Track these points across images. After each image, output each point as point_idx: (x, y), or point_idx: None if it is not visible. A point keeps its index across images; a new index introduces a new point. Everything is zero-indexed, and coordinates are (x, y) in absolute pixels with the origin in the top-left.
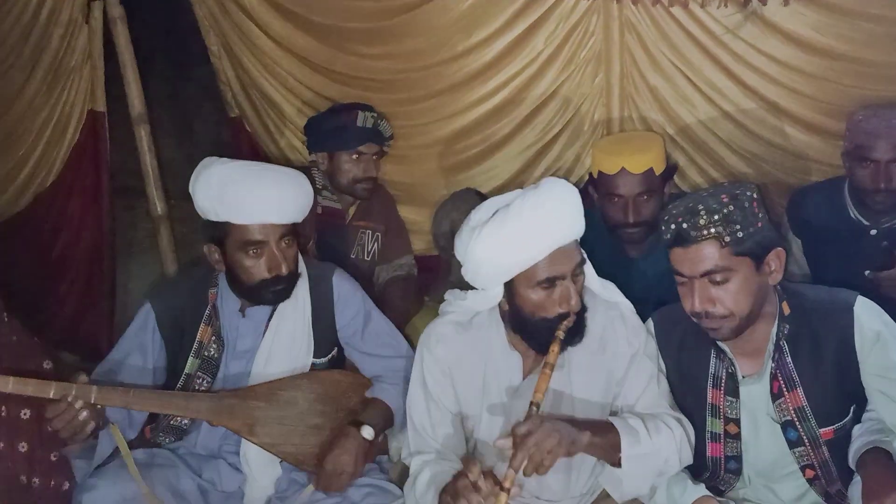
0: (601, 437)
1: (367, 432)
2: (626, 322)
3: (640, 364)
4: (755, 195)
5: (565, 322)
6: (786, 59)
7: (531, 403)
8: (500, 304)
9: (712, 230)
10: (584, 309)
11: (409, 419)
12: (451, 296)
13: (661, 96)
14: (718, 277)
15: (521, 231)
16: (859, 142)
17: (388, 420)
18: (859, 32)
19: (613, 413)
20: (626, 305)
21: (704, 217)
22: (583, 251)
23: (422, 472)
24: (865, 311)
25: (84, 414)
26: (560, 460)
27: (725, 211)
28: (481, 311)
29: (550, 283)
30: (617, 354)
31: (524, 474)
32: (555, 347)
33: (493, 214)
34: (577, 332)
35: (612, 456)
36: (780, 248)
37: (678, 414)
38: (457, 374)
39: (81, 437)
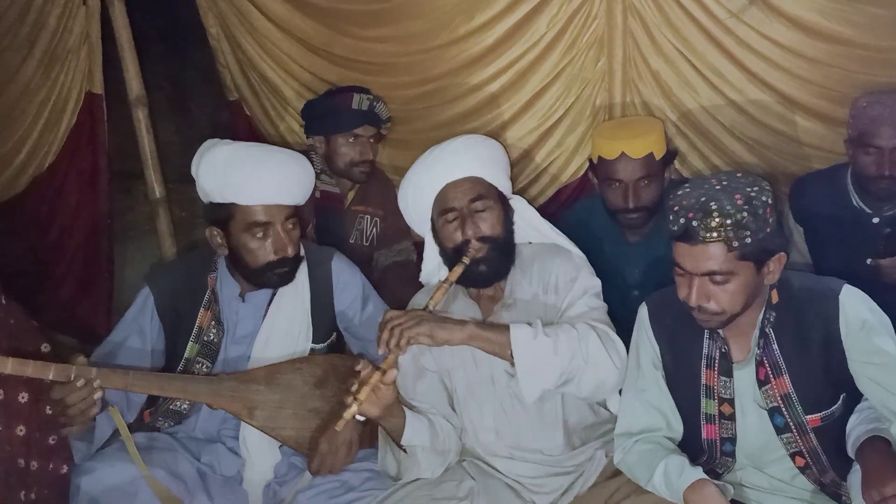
0: (486, 330)
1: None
2: (572, 262)
3: (576, 287)
4: (770, 200)
5: (470, 248)
6: (790, 44)
7: (423, 308)
8: None
9: (722, 233)
10: (506, 245)
11: (397, 376)
12: (421, 275)
13: (664, 81)
14: (719, 278)
15: (420, 167)
16: (863, 129)
17: None
18: (865, 17)
19: None
20: (577, 253)
21: (717, 220)
22: (510, 195)
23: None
24: (850, 299)
25: (99, 393)
26: (532, 415)
27: (739, 217)
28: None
29: (450, 212)
30: (560, 291)
31: (389, 350)
32: (457, 267)
33: None
34: (496, 265)
35: (503, 351)
36: (782, 254)
37: (600, 325)
38: None
39: (86, 419)
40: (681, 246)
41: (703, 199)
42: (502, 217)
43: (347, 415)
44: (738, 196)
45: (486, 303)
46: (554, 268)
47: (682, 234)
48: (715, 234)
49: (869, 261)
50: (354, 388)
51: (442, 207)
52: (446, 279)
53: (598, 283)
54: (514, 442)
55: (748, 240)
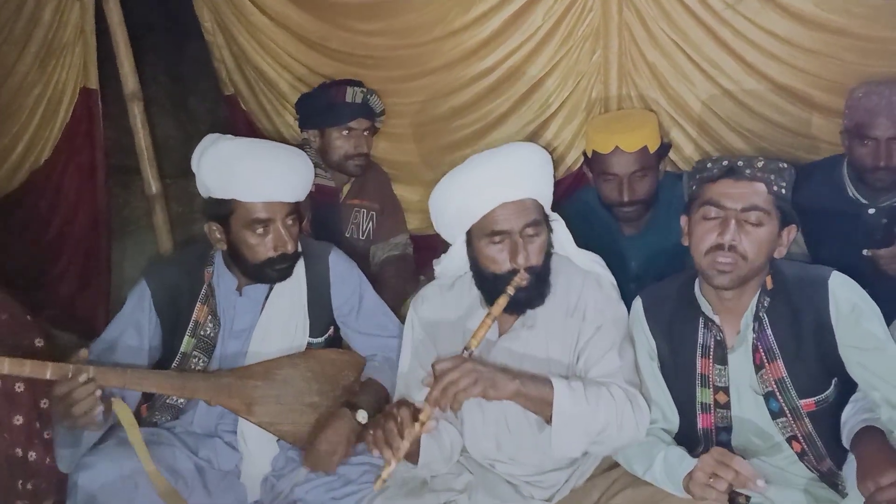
0: (531, 389)
1: (362, 416)
2: (602, 291)
3: (605, 332)
4: (794, 175)
5: (516, 278)
6: (786, 34)
7: (464, 348)
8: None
9: (767, 175)
10: (546, 272)
11: (398, 373)
12: (437, 263)
13: (660, 73)
14: (754, 218)
15: (469, 180)
16: (859, 119)
17: (382, 400)
18: (861, 7)
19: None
20: (606, 277)
21: (762, 163)
22: (551, 214)
23: None
24: (840, 285)
25: (99, 392)
26: (537, 435)
27: (780, 166)
28: (462, 276)
29: (499, 236)
30: (587, 319)
31: (440, 409)
32: (500, 300)
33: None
34: (535, 294)
35: (543, 410)
36: (794, 226)
37: (632, 389)
38: (438, 332)
39: (90, 419)
40: (723, 183)
41: (741, 157)
42: (547, 241)
43: (385, 474)
44: (774, 158)
45: (504, 319)
46: (583, 292)
47: (727, 171)
48: (760, 174)
49: (865, 251)
50: (395, 445)
51: (491, 229)
52: (489, 314)
53: (624, 312)
54: (514, 454)
55: (784, 190)
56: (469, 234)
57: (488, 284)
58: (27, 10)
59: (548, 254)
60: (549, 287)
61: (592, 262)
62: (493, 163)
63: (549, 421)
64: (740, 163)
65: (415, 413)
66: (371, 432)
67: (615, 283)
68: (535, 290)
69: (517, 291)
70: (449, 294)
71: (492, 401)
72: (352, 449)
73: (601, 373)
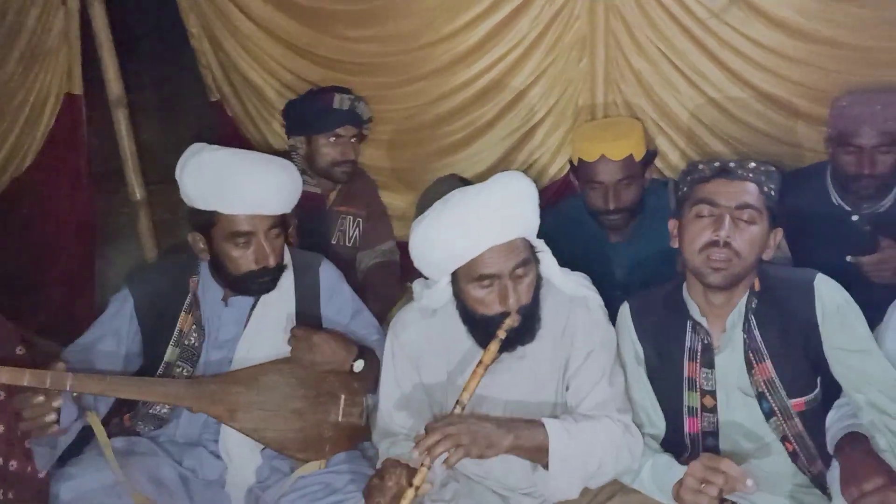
0: (527, 440)
1: (358, 365)
2: (591, 314)
3: (595, 358)
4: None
5: (507, 321)
6: (771, 43)
7: (456, 402)
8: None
9: (759, 176)
10: (535, 308)
11: (379, 402)
12: (418, 285)
13: (646, 81)
14: (747, 216)
15: (454, 224)
16: (843, 128)
17: (376, 367)
18: (845, 17)
19: (565, 409)
20: (594, 299)
21: (754, 164)
22: (536, 246)
23: (388, 453)
24: (825, 287)
25: (52, 416)
26: (527, 463)
27: (770, 169)
28: (445, 305)
29: (488, 280)
30: (575, 345)
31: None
32: (492, 346)
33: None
34: (525, 333)
35: (539, 458)
36: (780, 229)
37: (626, 419)
38: (421, 360)
39: (44, 431)
40: (716, 182)
41: (733, 159)
42: (536, 276)
43: None
44: (766, 162)
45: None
46: (571, 318)
47: (720, 171)
48: (751, 175)
49: (849, 258)
50: None
51: (479, 273)
52: (481, 363)
53: (613, 334)
54: (501, 477)
55: (773, 192)
56: (454, 274)
57: (477, 326)
58: (11, 15)
59: (536, 287)
60: (540, 322)
61: (579, 286)
62: (480, 204)
63: (545, 466)
64: (732, 164)
65: (409, 474)
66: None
67: (602, 303)
68: (526, 328)
69: (511, 331)
70: (433, 320)
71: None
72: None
73: (593, 404)
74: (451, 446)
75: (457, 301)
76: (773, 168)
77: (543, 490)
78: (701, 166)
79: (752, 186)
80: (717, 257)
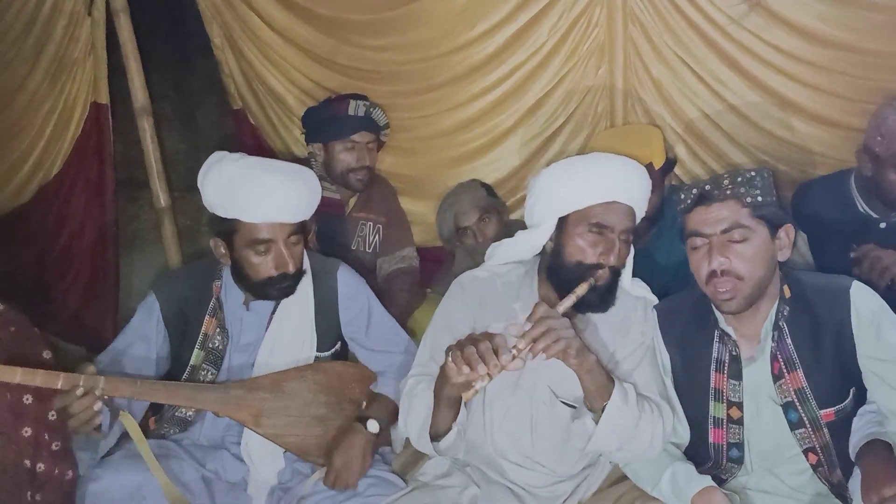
0: (600, 374)
1: (373, 426)
2: (647, 315)
3: (642, 349)
4: (771, 177)
5: (600, 272)
6: (791, 49)
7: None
8: (544, 249)
9: (736, 190)
10: (617, 280)
11: (424, 339)
12: (493, 248)
13: (665, 88)
14: (737, 235)
15: (592, 169)
16: (893, 146)
17: (392, 414)
18: (865, 22)
19: None
20: (652, 301)
21: (728, 179)
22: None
23: (420, 383)
24: (861, 294)
25: (99, 405)
26: (557, 437)
27: (748, 176)
28: (515, 267)
29: (599, 229)
30: (628, 338)
31: (531, 352)
32: (584, 284)
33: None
34: (606, 298)
35: (599, 398)
36: (790, 225)
37: (664, 403)
38: (480, 313)
39: (89, 428)
40: (698, 211)
41: (712, 177)
42: (628, 254)
43: (480, 386)
44: (744, 170)
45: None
46: (631, 313)
47: (698, 198)
48: (728, 192)
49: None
50: (493, 363)
51: (596, 220)
52: (574, 292)
53: (657, 338)
54: (529, 453)
55: (759, 198)
56: (564, 219)
57: (567, 273)
58: (38, 26)
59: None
60: (615, 298)
61: (643, 289)
62: (621, 165)
63: (595, 410)
64: (707, 187)
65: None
66: (459, 351)
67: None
68: (607, 293)
69: (590, 291)
70: (499, 280)
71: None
72: (369, 463)
73: (637, 381)
74: (553, 340)
75: (552, 250)
76: (753, 172)
77: (582, 440)
78: (682, 195)
79: (732, 205)
80: (722, 288)
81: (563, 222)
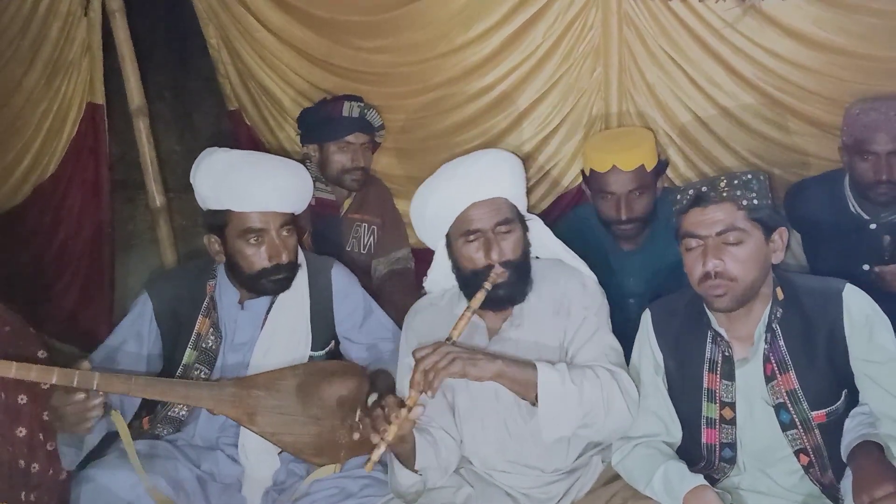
0: (516, 371)
1: (372, 398)
2: (586, 289)
3: (589, 322)
4: (767, 178)
5: (492, 274)
6: (785, 53)
7: (446, 339)
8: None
9: (733, 192)
10: (525, 268)
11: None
12: (425, 279)
13: (659, 91)
14: (732, 238)
15: (442, 184)
16: (858, 135)
17: (392, 386)
18: (859, 26)
19: None
20: (590, 276)
21: (724, 182)
22: (527, 215)
23: None
24: (854, 297)
25: (97, 400)
26: (536, 435)
27: (744, 178)
28: (450, 289)
29: (473, 234)
30: (572, 315)
31: (424, 393)
32: (479, 294)
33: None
34: (517, 290)
35: (528, 392)
36: (784, 228)
37: (617, 369)
38: (428, 341)
39: (84, 427)
40: (694, 212)
41: (707, 179)
42: (522, 239)
43: (375, 456)
44: (739, 173)
45: (492, 319)
46: (568, 290)
47: (694, 200)
48: (724, 194)
49: (866, 267)
50: (382, 428)
51: (465, 228)
52: (468, 307)
53: (606, 305)
54: (515, 458)
55: (755, 201)
56: (448, 237)
57: (468, 283)
58: (34, 27)
59: (525, 251)
60: (531, 283)
61: (576, 259)
62: (464, 166)
63: (534, 403)
64: (704, 188)
65: (402, 402)
66: (360, 423)
67: (597, 280)
68: (515, 285)
69: (496, 288)
70: (439, 306)
71: (476, 381)
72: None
73: (587, 357)
74: (447, 362)
75: (453, 267)
76: (750, 176)
77: (549, 454)
78: (678, 196)
79: (728, 207)
80: (715, 291)
81: (449, 240)
